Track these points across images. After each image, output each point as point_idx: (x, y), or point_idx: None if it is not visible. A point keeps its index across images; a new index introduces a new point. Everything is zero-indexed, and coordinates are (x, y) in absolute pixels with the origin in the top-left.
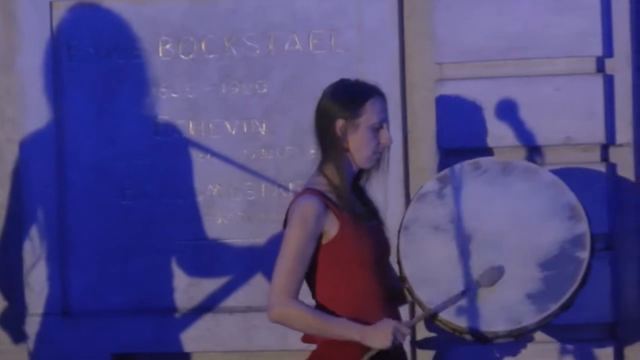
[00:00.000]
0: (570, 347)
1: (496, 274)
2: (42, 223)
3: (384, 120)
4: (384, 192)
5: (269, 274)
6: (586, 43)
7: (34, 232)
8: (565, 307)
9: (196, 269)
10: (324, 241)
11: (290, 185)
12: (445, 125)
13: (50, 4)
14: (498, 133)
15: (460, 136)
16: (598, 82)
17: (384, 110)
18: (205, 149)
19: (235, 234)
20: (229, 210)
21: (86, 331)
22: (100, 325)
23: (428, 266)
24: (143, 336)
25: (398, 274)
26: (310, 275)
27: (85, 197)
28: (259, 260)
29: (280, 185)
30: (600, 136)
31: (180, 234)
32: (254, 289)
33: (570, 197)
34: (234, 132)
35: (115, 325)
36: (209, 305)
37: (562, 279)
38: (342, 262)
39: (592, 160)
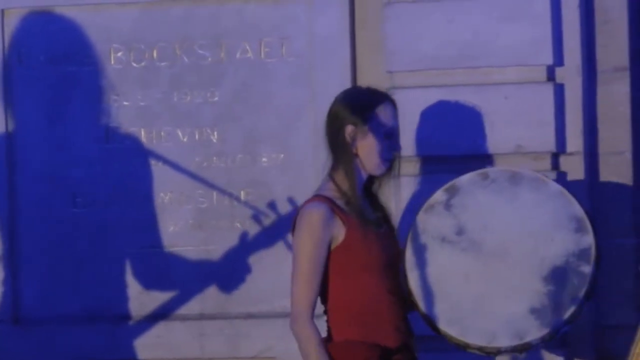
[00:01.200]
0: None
1: None
2: None
3: (394, 127)
4: (395, 200)
5: (220, 281)
6: (537, 52)
7: None
8: (569, 322)
9: (148, 277)
10: (332, 247)
11: (242, 193)
12: None
13: (2, 12)
14: (449, 141)
15: (411, 145)
16: (548, 90)
17: (395, 116)
18: (156, 157)
19: (186, 242)
20: (180, 218)
21: (38, 339)
22: (52, 333)
23: (434, 279)
24: (96, 344)
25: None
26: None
27: (36, 205)
28: (211, 267)
29: (230, 194)
30: (550, 145)
31: (132, 241)
32: (206, 297)
33: (577, 208)
34: (185, 139)
35: (68, 333)
36: (161, 313)
37: (566, 294)
38: (349, 267)
39: (542, 169)
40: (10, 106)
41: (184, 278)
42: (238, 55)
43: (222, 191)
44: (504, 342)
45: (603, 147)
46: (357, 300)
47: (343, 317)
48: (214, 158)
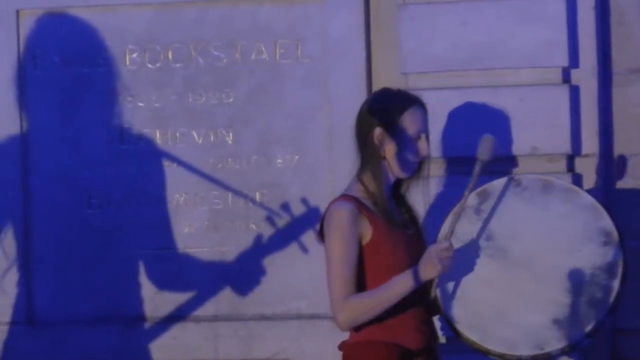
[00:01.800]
0: None
1: (486, 145)
2: (7, 232)
3: (422, 131)
4: (424, 203)
5: (235, 283)
6: (551, 53)
7: None
8: (590, 336)
9: (162, 278)
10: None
11: (257, 195)
12: None
13: (17, 12)
14: (463, 143)
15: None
16: (564, 92)
17: (424, 120)
18: (171, 158)
19: (201, 243)
20: (195, 219)
21: (51, 340)
22: (65, 334)
23: (458, 283)
24: (108, 345)
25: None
26: None
27: (50, 206)
28: (225, 269)
29: (245, 195)
30: (565, 147)
31: (146, 242)
32: (221, 298)
33: (607, 222)
34: (200, 141)
35: (81, 334)
36: (175, 314)
37: (590, 307)
38: (374, 267)
39: (557, 171)
40: (25, 107)
41: (198, 279)
42: (253, 57)
43: (236, 193)
44: (524, 351)
45: (618, 149)
46: None
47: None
48: (229, 159)
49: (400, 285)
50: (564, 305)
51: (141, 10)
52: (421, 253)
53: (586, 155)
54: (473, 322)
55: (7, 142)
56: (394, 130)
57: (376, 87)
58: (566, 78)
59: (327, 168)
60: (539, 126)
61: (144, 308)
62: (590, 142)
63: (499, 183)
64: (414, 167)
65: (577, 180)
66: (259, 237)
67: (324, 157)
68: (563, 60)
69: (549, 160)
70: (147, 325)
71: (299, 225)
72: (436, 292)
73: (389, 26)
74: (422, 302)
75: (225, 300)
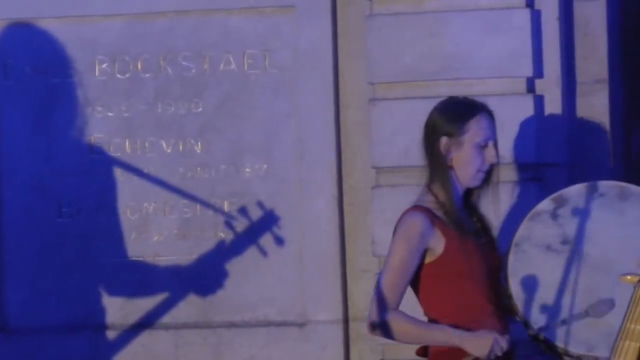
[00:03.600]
0: None
1: (606, 306)
2: None
3: (489, 138)
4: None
5: (204, 291)
6: (517, 64)
7: None
8: None
9: (132, 286)
10: (430, 258)
11: (225, 204)
12: (378, 144)
13: None
14: None
15: (393, 155)
16: (528, 102)
17: (490, 127)
18: (139, 169)
19: (170, 251)
20: (164, 228)
21: (23, 347)
22: (37, 341)
23: (536, 286)
24: (79, 352)
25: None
26: (419, 292)
27: (22, 215)
28: (194, 277)
29: (213, 205)
30: (531, 155)
31: (116, 251)
32: (190, 306)
33: None
34: (169, 150)
35: (52, 341)
36: (144, 322)
37: None
38: (449, 277)
39: (524, 179)
40: None
41: (167, 287)
42: (221, 67)
43: (204, 203)
44: (603, 352)
45: (582, 157)
46: (456, 309)
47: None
48: (198, 168)
49: (445, 336)
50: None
51: (111, 21)
52: (495, 261)
53: (551, 164)
54: (551, 324)
55: None
56: (460, 139)
57: (344, 97)
58: (531, 88)
59: (295, 177)
60: (505, 135)
61: (115, 316)
62: (554, 151)
63: (576, 189)
64: (482, 175)
65: (542, 187)
66: (227, 246)
67: (292, 166)
68: (528, 70)
69: (515, 168)
70: (117, 332)
71: (267, 233)
72: (512, 293)
73: (357, 37)
74: (498, 310)
75: (194, 307)
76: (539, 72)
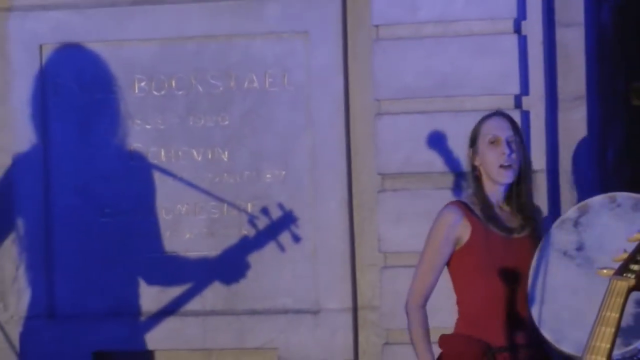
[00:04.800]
0: None
1: None
2: (31, 238)
3: (498, 134)
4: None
5: (229, 282)
6: (505, 83)
7: (24, 245)
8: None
9: (165, 277)
10: (458, 247)
11: (248, 205)
12: (383, 153)
13: (40, 47)
14: (429, 160)
15: (396, 163)
16: (516, 116)
17: (500, 126)
18: (174, 173)
19: (200, 247)
20: (195, 227)
21: (69, 332)
22: (81, 326)
23: (548, 287)
24: (119, 336)
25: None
26: (452, 280)
27: (68, 215)
28: (220, 270)
29: (238, 206)
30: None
31: (152, 246)
32: (216, 295)
33: None
34: (199, 158)
35: (95, 326)
36: (176, 309)
37: None
38: (469, 267)
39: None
40: (47, 129)
41: (196, 279)
42: (245, 85)
43: (231, 204)
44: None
45: (563, 165)
46: (471, 299)
47: (461, 312)
48: (225, 174)
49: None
50: (629, 314)
51: (148, 44)
52: (522, 259)
53: (536, 171)
54: (552, 324)
55: (32, 158)
56: (477, 143)
57: (353, 111)
58: (518, 104)
59: (310, 182)
60: None
61: (149, 303)
62: (539, 160)
63: (598, 199)
64: (505, 172)
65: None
66: (250, 242)
67: (307, 172)
68: (515, 88)
69: None
70: (151, 318)
71: (285, 231)
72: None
73: (365, 58)
74: (516, 304)
75: (220, 296)
76: (525, 90)
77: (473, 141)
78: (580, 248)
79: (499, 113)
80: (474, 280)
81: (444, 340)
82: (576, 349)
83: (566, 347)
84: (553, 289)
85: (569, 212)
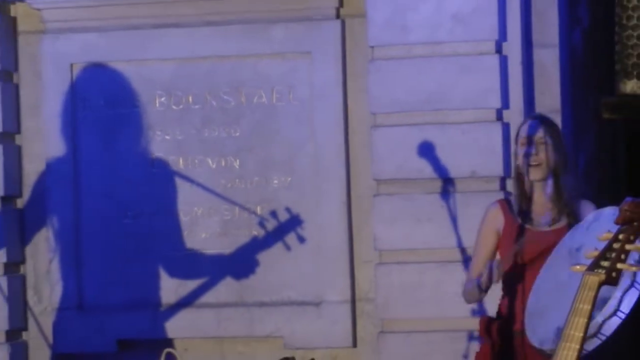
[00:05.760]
0: None
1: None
2: (62, 236)
3: (529, 135)
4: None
5: (240, 277)
6: (488, 98)
7: (55, 243)
8: (592, 336)
9: (183, 273)
10: (498, 238)
11: (258, 208)
12: (378, 161)
13: (71, 66)
14: (419, 167)
15: (390, 169)
16: (497, 128)
17: (532, 127)
18: (191, 179)
19: (214, 246)
20: (209, 227)
21: (96, 322)
22: (107, 317)
23: (547, 283)
24: (141, 325)
25: None
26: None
27: (95, 216)
28: (232, 266)
29: (249, 208)
30: (498, 170)
31: (171, 245)
32: (228, 289)
33: None
34: (213, 166)
35: (119, 317)
36: (192, 301)
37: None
38: (500, 255)
39: (492, 190)
40: (76, 140)
41: (211, 274)
42: (254, 100)
43: (242, 206)
44: (549, 346)
45: None
46: (503, 284)
47: (501, 297)
48: (236, 180)
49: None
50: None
51: (167, 64)
52: (549, 248)
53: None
54: (529, 317)
55: (63, 166)
56: (516, 145)
57: (351, 124)
58: (499, 117)
59: (313, 187)
60: (478, 154)
61: (169, 296)
62: None
63: (610, 209)
64: (531, 170)
65: (508, 196)
66: (259, 241)
67: (310, 178)
68: (497, 103)
69: (486, 181)
70: (171, 309)
71: (290, 232)
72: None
73: (361, 76)
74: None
75: (232, 290)
76: (505, 104)
77: (515, 144)
78: (579, 249)
79: (533, 116)
80: (503, 277)
81: (480, 321)
82: (539, 342)
83: (533, 341)
84: (544, 283)
85: (589, 216)
